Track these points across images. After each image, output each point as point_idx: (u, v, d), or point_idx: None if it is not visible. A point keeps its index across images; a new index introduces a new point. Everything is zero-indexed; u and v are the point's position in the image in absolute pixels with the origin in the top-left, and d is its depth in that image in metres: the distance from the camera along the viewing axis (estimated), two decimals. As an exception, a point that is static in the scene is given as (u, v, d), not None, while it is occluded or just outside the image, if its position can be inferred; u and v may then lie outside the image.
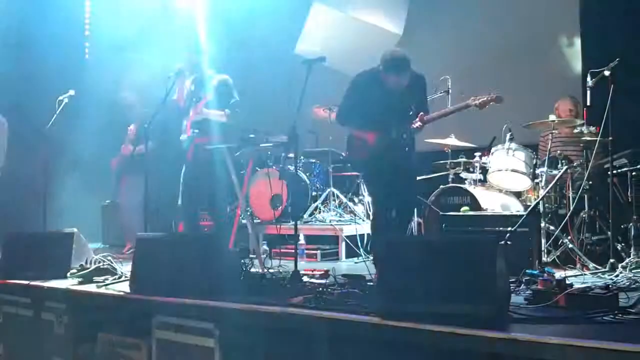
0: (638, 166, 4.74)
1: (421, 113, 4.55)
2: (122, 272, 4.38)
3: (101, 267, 4.41)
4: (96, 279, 4.26)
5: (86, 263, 4.47)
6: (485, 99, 4.50)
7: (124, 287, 3.98)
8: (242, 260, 4.32)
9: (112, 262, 4.49)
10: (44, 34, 7.35)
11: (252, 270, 4.35)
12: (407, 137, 4.58)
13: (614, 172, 4.59)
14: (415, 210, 5.85)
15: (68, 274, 4.39)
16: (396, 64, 4.40)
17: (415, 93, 4.63)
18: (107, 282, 4.18)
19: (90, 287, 4.12)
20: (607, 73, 4.43)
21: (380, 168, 4.55)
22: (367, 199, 6.45)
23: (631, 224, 4.63)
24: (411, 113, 4.57)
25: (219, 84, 5.11)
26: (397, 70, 4.39)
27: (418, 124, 4.51)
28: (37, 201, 6.14)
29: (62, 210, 7.12)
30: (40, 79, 7.27)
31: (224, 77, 5.16)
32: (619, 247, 4.66)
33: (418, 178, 5.52)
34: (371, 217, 4.96)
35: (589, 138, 4.95)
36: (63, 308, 4.21)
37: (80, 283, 4.24)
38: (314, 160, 7.03)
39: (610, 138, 4.45)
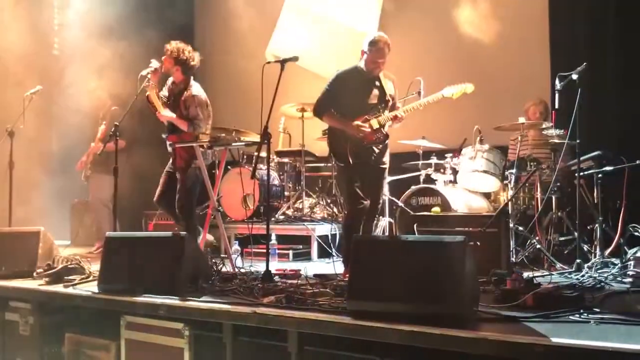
0: (604, 168, 4.83)
1: (398, 105, 4.71)
2: (90, 272, 4.32)
3: (69, 266, 4.33)
4: (64, 278, 4.18)
5: (53, 262, 4.38)
6: (459, 90, 4.62)
7: (92, 287, 3.91)
8: (214, 260, 4.29)
9: (80, 262, 4.41)
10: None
11: (224, 270, 4.32)
12: (385, 129, 4.69)
13: (581, 174, 4.67)
14: (387, 208, 5.92)
15: (34, 274, 4.31)
16: (378, 41, 4.58)
17: (392, 92, 4.76)
18: (75, 281, 4.11)
19: (58, 287, 4.05)
20: (574, 77, 4.51)
21: (362, 155, 4.63)
22: (340, 198, 6.46)
23: (597, 224, 4.73)
24: (389, 105, 4.71)
25: (189, 98, 5.11)
26: (377, 47, 4.55)
27: (399, 113, 4.63)
28: (3, 198, 6.00)
29: (28, 208, 7.00)
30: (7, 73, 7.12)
31: (195, 93, 5.16)
32: (585, 247, 4.75)
33: (390, 179, 5.56)
34: (344, 216, 4.99)
35: (556, 140, 5.04)
36: (28, 308, 4.13)
37: (47, 283, 4.16)
38: (286, 160, 7.02)
39: (577, 141, 4.53)
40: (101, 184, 6.57)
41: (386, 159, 4.78)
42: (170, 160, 5.25)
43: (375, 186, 4.74)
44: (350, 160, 4.58)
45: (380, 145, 4.70)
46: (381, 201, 5.08)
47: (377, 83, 4.69)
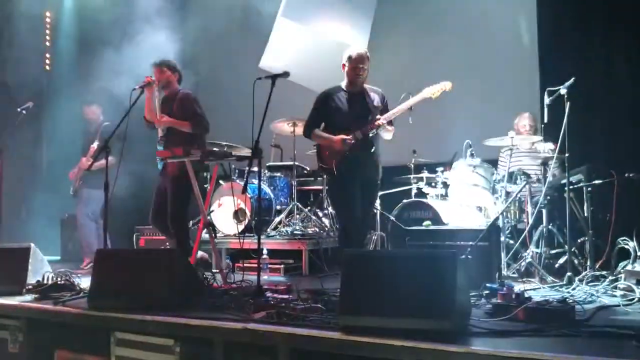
0: (594, 182, 4.86)
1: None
2: (80, 288, 4.28)
3: (59, 282, 4.30)
4: (54, 295, 4.15)
5: (43, 279, 4.35)
6: (438, 88, 4.69)
7: (82, 304, 3.88)
8: (204, 275, 4.27)
9: (70, 278, 4.38)
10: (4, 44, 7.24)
11: (215, 285, 4.30)
12: (372, 137, 4.71)
13: (571, 187, 4.70)
14: (378, 222, 5.92)
15: (24, 290, 4.27)
16: (356, 50, 4.74)
17: (377, 104, 4.79)
18: (65, 298, 4.08)
19: (47, 304, 4.00)
20: (563, 91, 4.56)
21: (350, 168, 4.67)
22: (332, 212, 6.46)
23: (587, 238, 4.75)
24: (375, 117, 4.72)
25: (182, 98, 5.18)
26: (357, 55, 4.69)
27: (380, 121, 4.65)
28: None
29: (18, 223, 6.96)
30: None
31: (186, 91, 5.28)
32: (575, 260, 4.77)
33: (381, 192, 5.58)
34: (338, 231, 5.01)
35: (546, 154, 5.07)
36: (18, 325, 4.08)
37: (36, 299, 4.12)
38: (278, 174, 7.02)
39: (566, 154, 4.56)
40: (90, 199, 6.54)
41: (376, 171, 4.81)
42: (161, 175, 5.22)
43: (365, 198, 4.74)
44: (335, 172, 4.65)
45: (367, 156, 4.71)
46: (373, 213, 5.09)
47: (361, 97, 4.77)
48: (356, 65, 4.70)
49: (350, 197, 4.65)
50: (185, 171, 4.92)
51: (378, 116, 4.70)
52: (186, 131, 5.09)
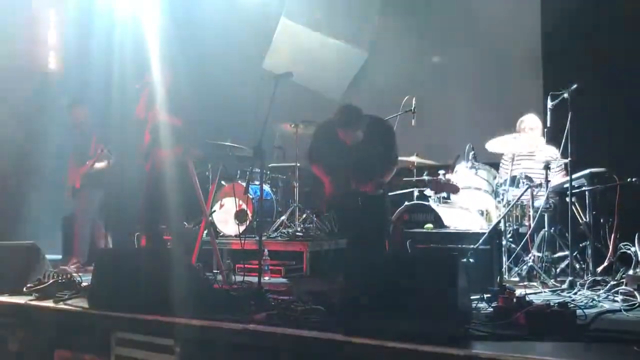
0: (596, 186, 4.85)
1: (375, 178, 4.46)
2: (81, 287, 4.28)
3: (59, 281, 4.29)
4: (54, 293, 4.14)
5: (44, 277, 4.34)
6: (444, 184, 4.63)
7: (82, 303, 3.88)
8: (205, 275, 4.27)
9: (71, 277, 4.38)
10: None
11: (215, 285, 4.30)
12: (364, 199, 4.45)
13: (573, 191, 4.69)
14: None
15: (24, 289, 4.27)
16: (344, 118, 4.41)
17: (378, 141, 4.55)
18: (66, 297, 4.07)
19: (48, 303, 4.01)
20: (566, 96, 4.55)
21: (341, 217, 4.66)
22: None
23: (588, 242, 4.74)
24: (375, 165, 4.49)
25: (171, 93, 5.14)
26: (345, 124, 4.40)
27: (369, 187, 4.44)
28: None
29: (20, 222, 6.95)
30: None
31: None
32: (577, 265, 4.75)
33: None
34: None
35: (549, 158, 5.06)
36: (18, 324, 4.08)
37: (37, 298, 4.12)
38: (280, 175, 7.01)
39: (569, 159, 4.55)
40: (90, 198, 6.51)
41: (375, 214, 4.60)
42: (147, 170, 5.15)
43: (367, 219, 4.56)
44: (324, 211, 4.60)
45: (356, 210, 4.46)
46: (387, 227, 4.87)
47: (362, 149, 4.48)
48: (345, 133, 4.38)
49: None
50: (176, 169, 4.91)
51: (375, 180, 4.43)
52: (176, 127, 5.02)
